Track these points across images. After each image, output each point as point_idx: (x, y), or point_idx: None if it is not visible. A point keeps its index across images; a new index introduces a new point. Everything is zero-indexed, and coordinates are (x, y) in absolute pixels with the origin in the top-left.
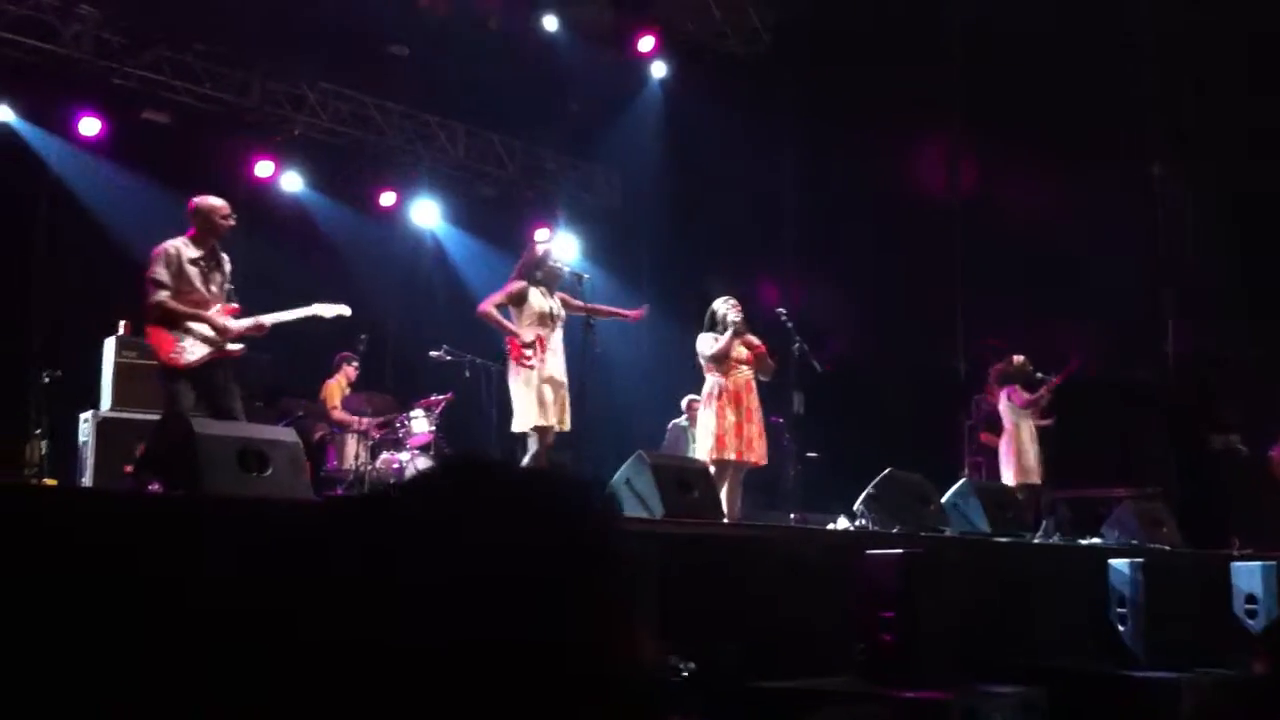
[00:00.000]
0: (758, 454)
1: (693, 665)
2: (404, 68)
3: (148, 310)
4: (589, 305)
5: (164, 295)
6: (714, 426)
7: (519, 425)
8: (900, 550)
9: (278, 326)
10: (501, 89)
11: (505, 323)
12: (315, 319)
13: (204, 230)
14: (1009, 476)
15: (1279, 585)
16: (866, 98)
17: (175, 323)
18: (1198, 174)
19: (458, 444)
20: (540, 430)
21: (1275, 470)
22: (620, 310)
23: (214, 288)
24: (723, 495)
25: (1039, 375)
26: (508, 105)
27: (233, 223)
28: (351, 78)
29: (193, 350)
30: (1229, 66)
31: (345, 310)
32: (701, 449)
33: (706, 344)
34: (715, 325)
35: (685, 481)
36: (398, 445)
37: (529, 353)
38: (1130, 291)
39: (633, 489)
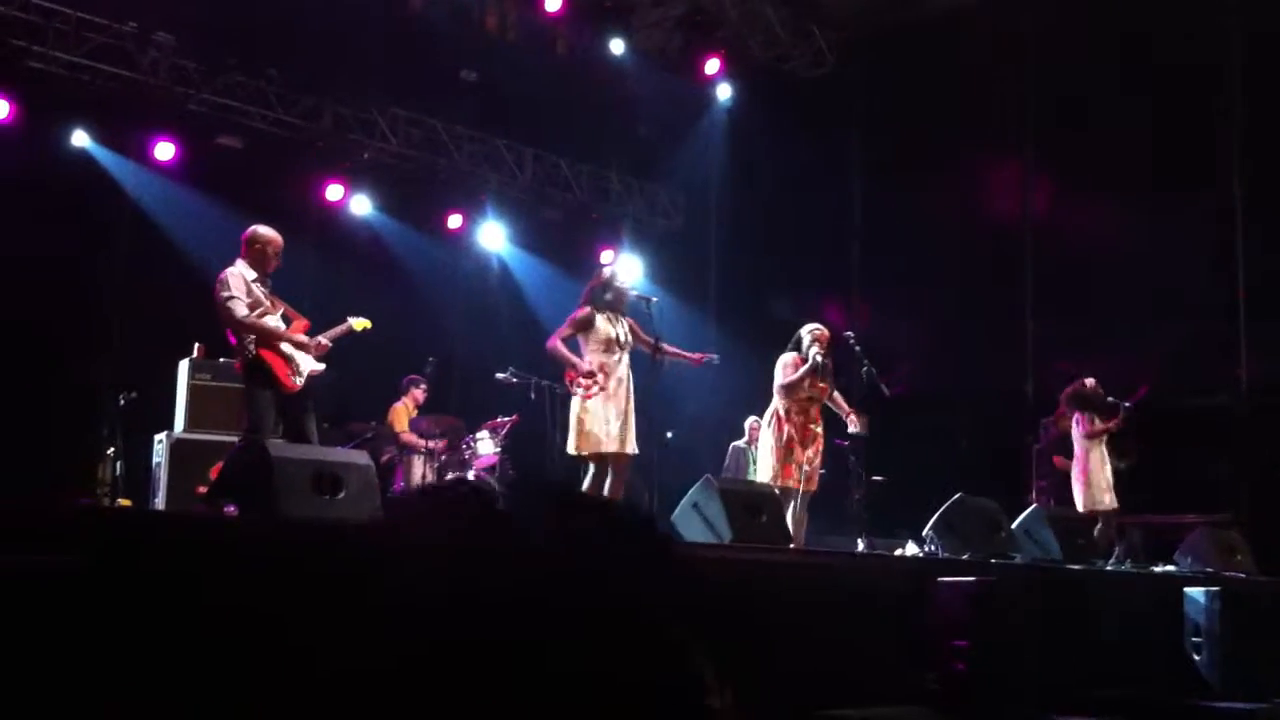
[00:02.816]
0: (815, 482)
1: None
2: (472, 92)
3: (238, 328)
4: (659, 344)
5: (243, 311)
6: (780, 454)
7: (572, 449)
8: (973, 578)
9: (337, 347)
10: (568, 112)
11: (569, 356)
12: (351, 333)
13: (255, 261)
14: (1079, 502)
15: None
16: (932, 119)
17: (269, 341)
18: (1274, 197)
19: (523, 466)
20: (599, 458)
21: None
22: (686, 354)
23: (279, 305)
24: (789, 520)
25: (1110, 400)
26: (574, 129)
27: (279, 263)
28: (421, 102)
29: (302, 373)
30: None
31: (367, 323)
32: (764, 471)
33: (784, 369)
34: (800, 349)
35: (753, 506)
36: (464, 466)
37: (585, 382)
38: (1203, 316)
39: (700, 513)
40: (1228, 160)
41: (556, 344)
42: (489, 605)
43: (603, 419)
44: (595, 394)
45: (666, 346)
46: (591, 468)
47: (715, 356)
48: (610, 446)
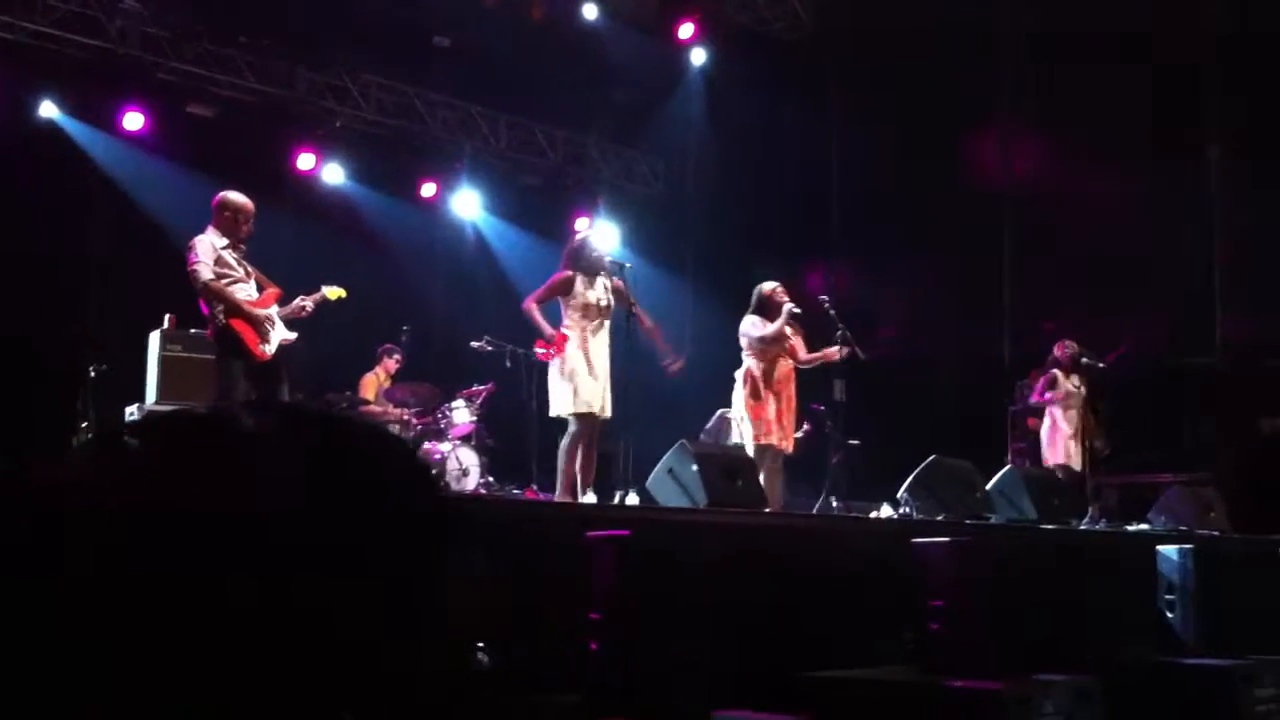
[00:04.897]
0: (790, 442)
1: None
2: (447, 58)
3: (204, 294)
4: (648, 325)
5: (207, 275)
6: (760, 412)
7: (554, 410)
8: (949, 539)
9: (312, 316)
10: (544, 78)
11: (539, 322)
12: (325, 301)
13: (227, 228)
14: (1050, 459)
15: None
16: (912, 83)
17: (239, 310)
18: (1254, 160)
19: (499, 433)
20: (580, 417)
21: None
22: (661, 342)
23: (251, 274)
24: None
25: (1085, 360)
26: (550, 94)
27: (251, 229)
28: (394, 69)
29: (273, 342)
30: None
31: (342, 292)
32: (745, 434)
33: (755, 326)
34: (763, 308)
35: (729, 470)
36: (440, 436)
37: (548, 351)
38: (1181, 277)
39: (675, 478)
40: (1205, 123)
41: (531, 306)
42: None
43: (574, 381)
44: (554, 357)
45: (645, 321)
46: (572, 426)
47: (684, 361)
48: (594, 407)
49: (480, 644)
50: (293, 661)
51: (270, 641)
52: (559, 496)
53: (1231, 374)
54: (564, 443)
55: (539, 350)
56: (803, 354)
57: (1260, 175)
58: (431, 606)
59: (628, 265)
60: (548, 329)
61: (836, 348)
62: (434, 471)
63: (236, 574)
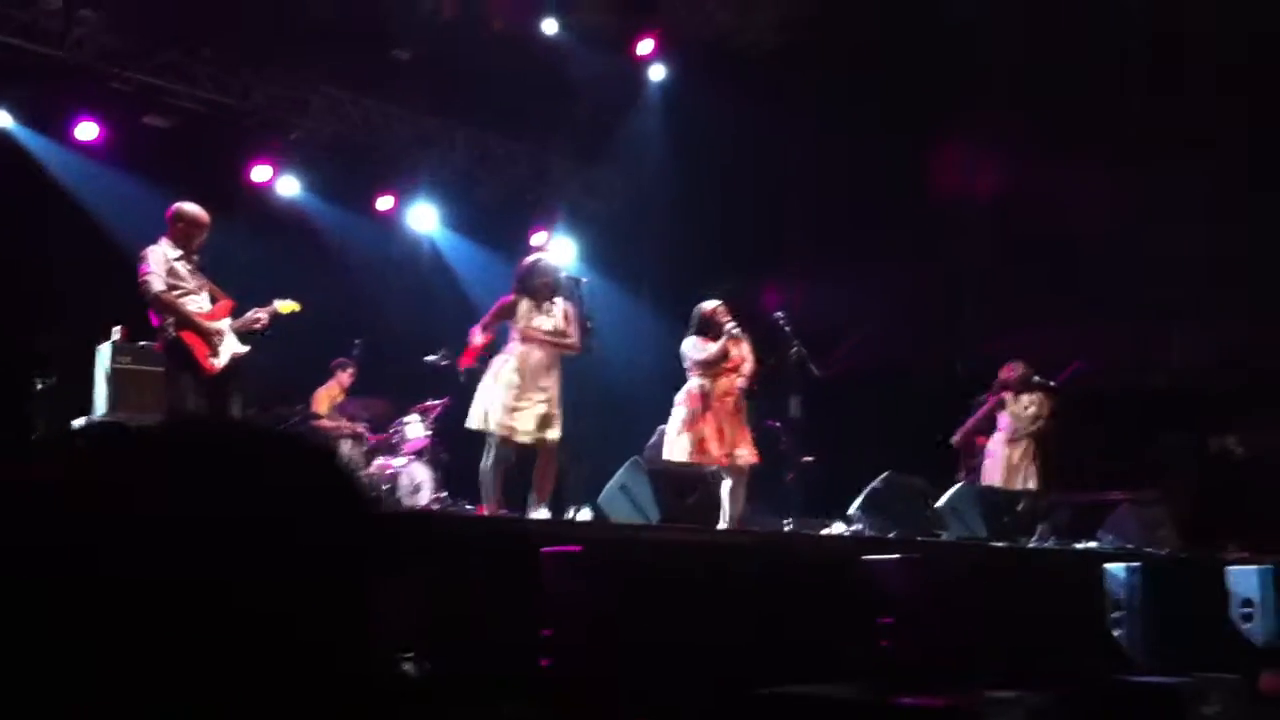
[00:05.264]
0: (747, 454)
1: (420, 664)
2: (406, 71)
3: (154, 305)
4: (582, 335)
5: (158, 287)
6: (694, 430)
7: (470, 421)
8: (898, 555)
9: (271, 329)
10: (503, 92)
11: (473, 344)
12: (278, 316)
13: (180, 239)
14: (996, 480)
15: (1276, 590)
16: (873, 99)
17: (189, 323)
18: (1211, 183)
19: (453, 449)
20: (499, 439)
21: None
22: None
23: (203, 286)
24: (725, 499)
25: (1036, 379)
26: (510, 109)
27: (205, 241)
28: (352, 81)
29: (223, 355)
30: (1255, 69)
31: (295, 306)
32: (678, 450)
33: (695, 348)
34: (704, 328)
35: (681, 487)
36: (393, 451)
37: (465, 357)
38: (1134, 297)
39: (628, 495)
40: (1161, 141)
41: (476, 331)
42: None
43: (503, 401)
44: (465, 364)
45: (577, 347)
46: (494, 448)
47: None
48: (513, 434)
49: (410, 654)
50: (208, 662)
51: (182, 644)
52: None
53: (1181, 394)
54: (486, 463)
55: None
56: (749, 369)
57: (1217, 197)
58: (354, 612)
59: (584, 281)
60: (477, 346)
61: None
62: (363, 482)
63: (144, 579)
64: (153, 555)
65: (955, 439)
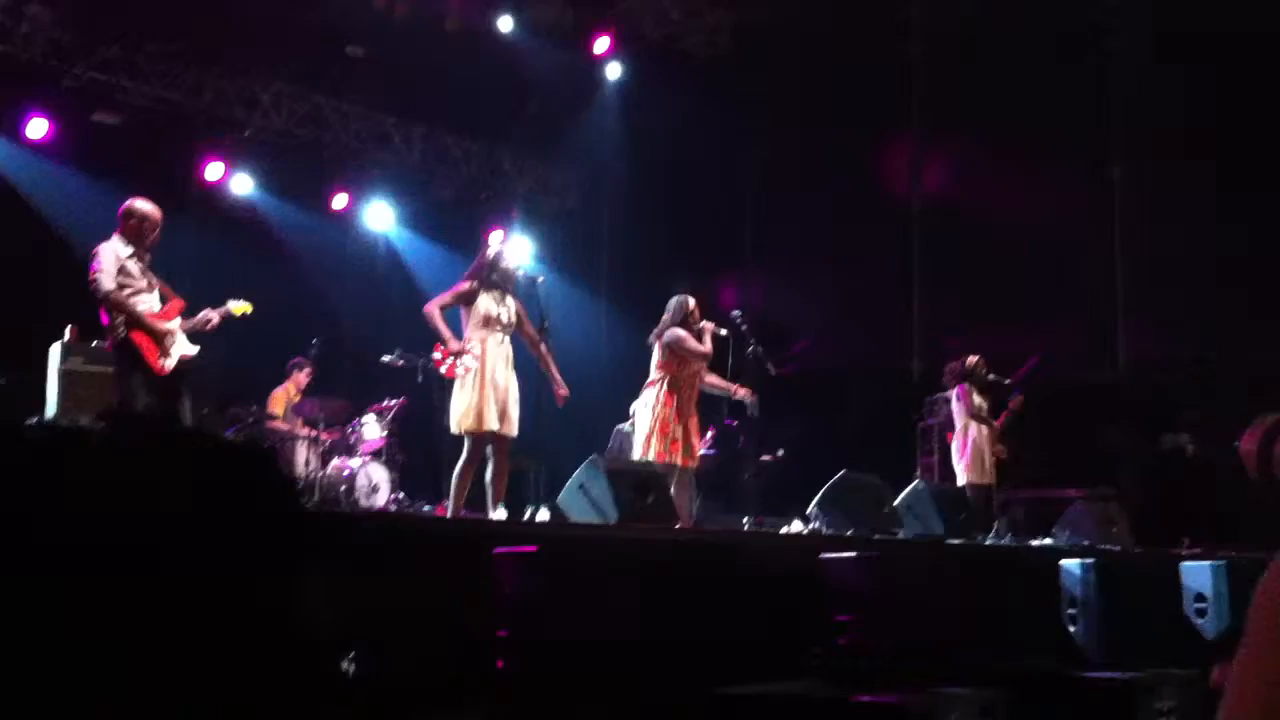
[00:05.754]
0: (696, 458)
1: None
2: (360, 68)
3: (105, 303)
4: (541, 351)
5: (108, 285)
6: (667, 429)
7: (453, 428)
8: (855, 553)
9: (221, 330)
10: (459, 90)
11: (442, 328)
12: (230, 317)
13: (133, 237)
14: (962, 476)
15: (1229, 585)
16: (826, 98)
17: (140, 322)
18: (1158, 177)
19: (410, 449)
20: (477, 436)
21: (1247, 462)
22: (555, 376)
23: (154, 285)
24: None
25: (991, 378)
26: (465, 106)
27: (157, 238)
28: (306, 78)
29: (173, 356)
30: (1192, 70)
31: (248, 307)
32: (650, 448)
33: (687, 340)
34: (685, 323)
35: (640, 486)
36: (350, 451)
37: (452, 361)
38: (1087, 293)
39: (587, 494)
40: (1108, 140)
41: (434, 310)
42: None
43: (481, 397)
44: (462, 373)
45: (547, 357)
46: (466, 445)
47: (566, 395)
48: (490, 426)
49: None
50: (133, 656)
51: (106, 637)
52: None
53: (1133, 390)
54: (459, 464)
55: (436, 356)
56: (709, 378)
57: (1162, 193)
58: (282, 610)
59: (541, 279)
60: (450, 337)
61: (744, 390)
62: (289, 478)
63: (58, 574)
64: (82, 551)
65: (927, 424)
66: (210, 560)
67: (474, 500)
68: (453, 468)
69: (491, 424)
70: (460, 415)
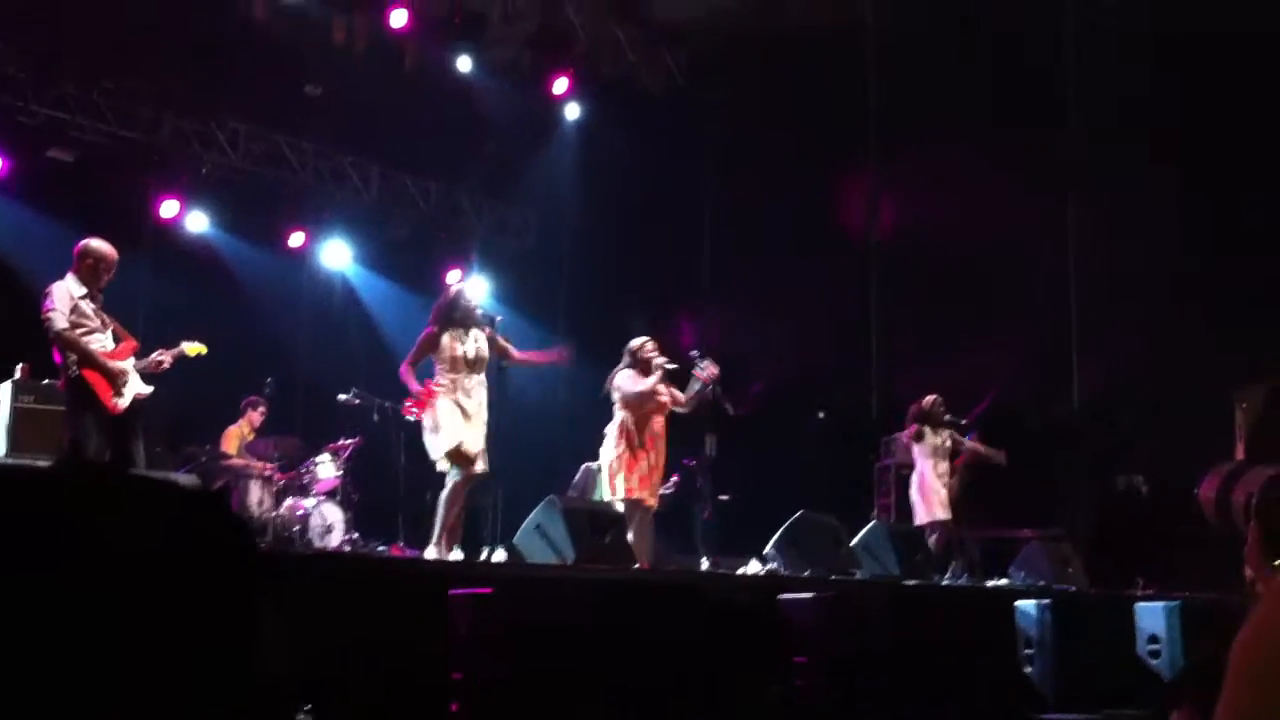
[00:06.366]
0: (656, 498)
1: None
2: (318, 107)
3: (57, 342)
4: (521, 357)
5: (61, 324)
6: (633, 466)
7: (437, 458)
8: (813, 594)
9: (175, 368)
10: (417, 129)
11: (412, 384)
12: (183, 357)
13: (87, 277)
14: (918, 515)
15: (1182, 626)
16: (781, 137)
17: (92, 361)
18: (1111, 215)
19: (366, 489)
20: (458, 461)
21: (1206, 509)
22: (538, 355)
23: (108, 324)
24: (631, 538)
25: (947, 418)
26: (423, 146)
27: (111, 278)
28: (264, 116)
29: (126, 395)
30: (1147, 104)
31: (202, 349)
32: (617, 488)
33: (630, 380)
34: (634, 364)
35: (598, 526)
36: (304, 491)
37: (415, 407)
38: (1040, 332)
39: (544, 534)
40: (1066, 177)
41: (406, 370)
42: None
43: (461, 427)
44: (421, 412)
45: (517, 353)
46: (453, 474)
47: (568, 352)
48: (468, 449)
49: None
50: (90, 703)
51: (66, 683)
52: (434, 548)
53: (1088, 431)
54: (444, 492)
55: (406, 404)
56: (681, 396)
57: (1117, 231)
58: (237, 657)
59: (499, 318)
60: (416, 388)
61: (705, 386)
62: (247, 524)
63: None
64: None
65: (885, 465)
66: (162, 606)
67: (425, 537)
68: (412, 507)
69: (472, 450)
70: (441, 444)
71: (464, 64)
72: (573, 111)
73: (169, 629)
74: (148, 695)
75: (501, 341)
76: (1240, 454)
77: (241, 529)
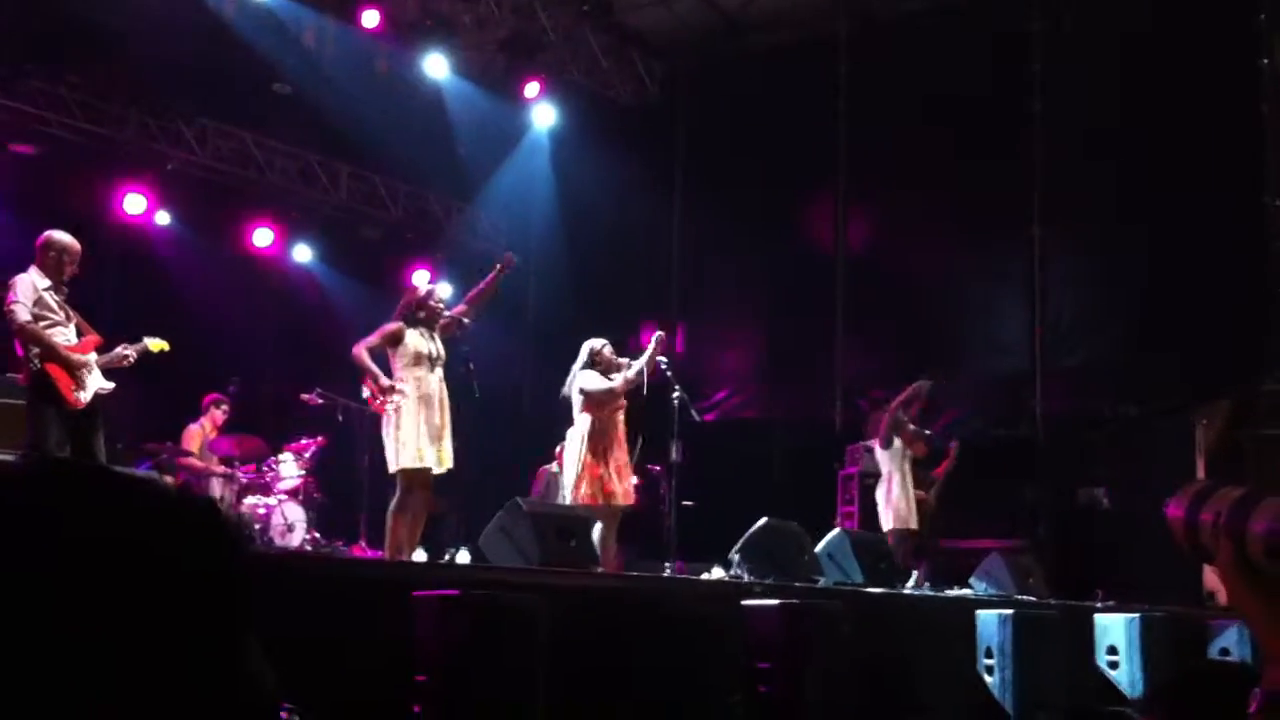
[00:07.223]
0: (630, 495)
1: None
2: (287, 106)
3: (19, 335)
4: (468, 306)
5: (24, 317)
6: (595, 471)
7: (390, 465)
8: (777, 602)
9: (140, 365)
10: (387, 130)
11: (370, 366)
12: (147, 354)
13: (51, 269)
14: (886, 523)
15: (1141, 638)
16: (751, 150)
17: (55, 355)
18: (1076, 235)
19: (329, 489)
20: (409, 474)
21: (1174, 529)
22: (486, 281)
23: (72, 318)
24: (596, 541)
25: (914, 429)
26: (393, 147)
27: (76, 271)
28: (232, 114)
29: (88, 390)
30: (1110, 130)
31: (165, 345)
32: (584, 492)
33: (594, 381)
34: (594, 365)
35: (563, 530)
36: (265, 490)
37: (381, 399)
38: (1006, 351)
39: (509, 537)
40: (1029, 201)
41: (361, 352)
42: None
43: (418, 434)
44: (389, 409)
45: (468, 303)
46: (400, 482)
47: (509, 258)
48: (427, 462)
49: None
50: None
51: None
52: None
53: (1050, 445)
54: (392, 504)
55: (366, 394)
56: (632, 374)
57: (1080, 251)
58: (223, 663)
59: (466, 321)
60: (379, 374)
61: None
62: (232, 528)
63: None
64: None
65: (850, 473)
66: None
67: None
68: (375, 507)
69: (429, 460)
70: (397, 452)
71: (437, 67)
72: (543, 117)
73: (156, 628)
74: (136, 697)
75: (452, 313)
76: (1201, 470)
77: (235, 528)
